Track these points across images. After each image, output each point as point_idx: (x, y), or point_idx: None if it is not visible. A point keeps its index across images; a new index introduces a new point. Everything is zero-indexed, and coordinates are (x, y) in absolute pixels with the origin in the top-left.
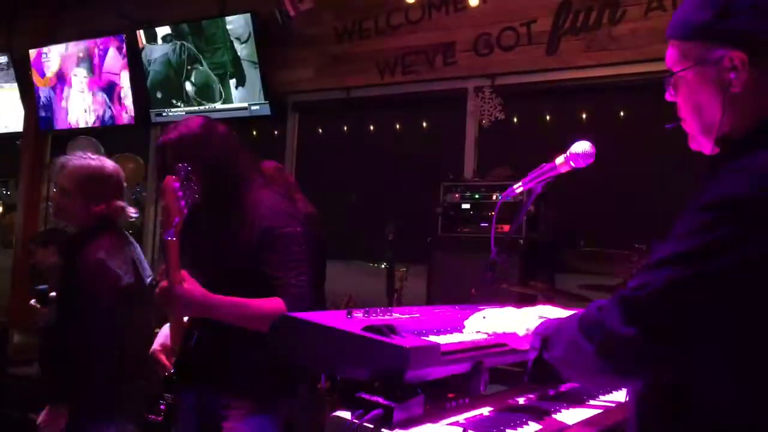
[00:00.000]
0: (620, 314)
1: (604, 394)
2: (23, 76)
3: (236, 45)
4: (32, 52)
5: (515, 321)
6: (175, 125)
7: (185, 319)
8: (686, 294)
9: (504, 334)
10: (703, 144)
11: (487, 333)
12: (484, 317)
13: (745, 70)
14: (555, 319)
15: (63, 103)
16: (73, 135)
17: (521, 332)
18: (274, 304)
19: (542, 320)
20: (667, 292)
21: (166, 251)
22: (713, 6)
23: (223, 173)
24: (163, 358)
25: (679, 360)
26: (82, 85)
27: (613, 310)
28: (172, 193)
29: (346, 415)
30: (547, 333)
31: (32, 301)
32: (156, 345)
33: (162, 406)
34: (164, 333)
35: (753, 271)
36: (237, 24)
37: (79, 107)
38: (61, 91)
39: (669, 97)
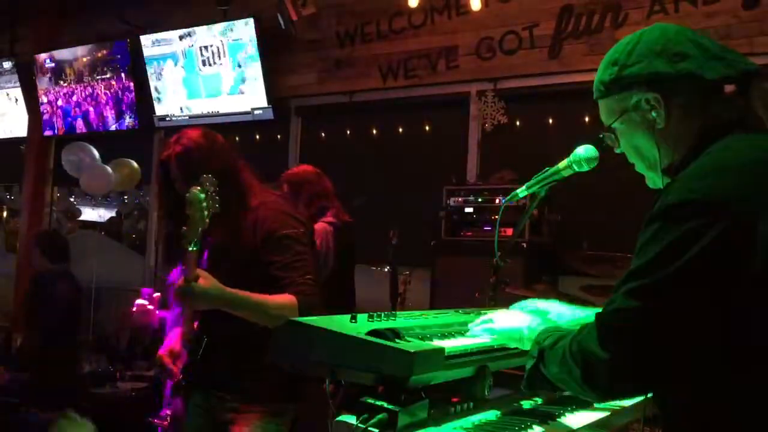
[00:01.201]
0: (596, 337)
1: None
2: (27, 81)
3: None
4: (36, 57)
5: (520, 321)
6: (176, 139)
7: (194, 324)
8: (645, 302)
9: (508, 333)
10: (655, 180)
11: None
12: (489, 320)
13: (662, 107)
14: (554, 329)
15: (66, 108)
16: (76, 140)
17: (525, 332)
18: (286, 299)
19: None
20: (626, 304)
21: (186, 259)
22: (616, 61)
23: (230, 182)
24: (169, 362)
25: (658, 374)
26: (84, 89)
27: (592, 333)
28: (197, 204)
29: (350, 419)
30: (544, 345)
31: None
32: (163, 349)
33: (167, 411)
34: (172, 337)
35: (701, 273)
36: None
37: (83, 112)
38: (65, 95)
39: (617, 149)
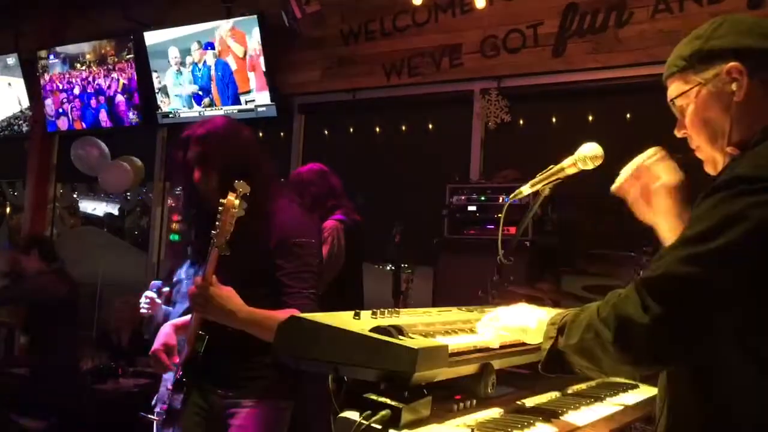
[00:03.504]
0: (636, 300)
1: (612, 396)
2: (30, 77)
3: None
4: (39, 53)
5: (526, 315)
6: (202, 122)
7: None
8: (703, 269)
9: (515, 328)
10: (716, 161)
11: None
12: (494, 317)
13: (745, 79)
14: (569, 310)
15: (70, 104)
16: (80, 136)
17: (533, 325)
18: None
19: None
20: (678, 271)
21: (209, 262)
22: (701, 36)
23: (249, 179)
24: (164, 357)
25: (696, 344)
26: (88, 86)
27: (630, 297)
28: (232, 210)
29: (353, 416)
30: (563, 321)
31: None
32: (157, 344)
33: (164, 407)
34: (165, 332)
35: (754, 249)
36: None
37: (86, 108)
38: (68, 92)
39: (678, 131)
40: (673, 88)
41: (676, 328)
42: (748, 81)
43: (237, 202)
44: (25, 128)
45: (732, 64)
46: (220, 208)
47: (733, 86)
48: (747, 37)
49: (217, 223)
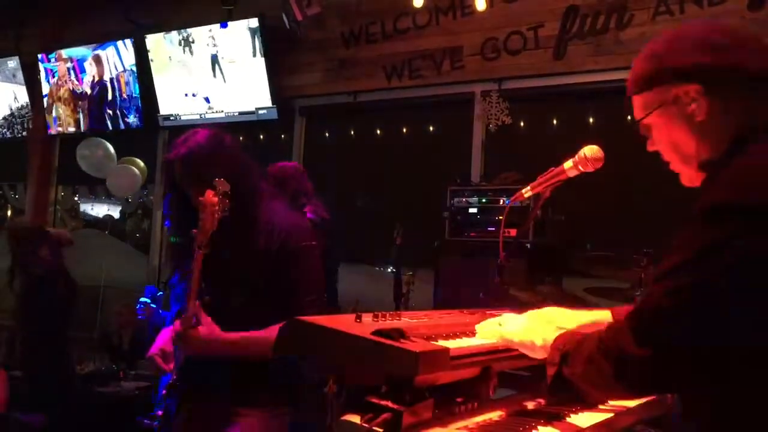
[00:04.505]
0: (631, 334)
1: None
2: (31, 79)
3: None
4: (40, 56)
5: (532, 330)
6: (184, 139)
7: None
8: (685, 302)
9: (519, 342)
10: (692, 177)
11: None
12: (500, 324)
13: (704, 99)
14: (574, 332)
15: (71, 107)
16: (81, 139)
17: (539, 342)
18: None
19: (560, 331)
20: (666, 303)
21: (194, 266)
22: (656, 54)
23: (236, 186)
24: (160, 361)
25: (693, 373)
26: (89, 88)
27: (626, 331)
28: (210, 208)
29: (355, 419)
30: (566, 348)
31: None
32: (154, 349)
33: (159, 412)
34: (162, 337)
35: (744, 273)
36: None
37: (87, 111)
38: (69, 94)
39: (650, 147)
40: (637, 108)
41: (669, 361)
42: (708, 99)
43: (216, 199)
44: (25, 130)
45: (689, 86)
46: (199, 206)
47: (693, 106)
48: (701, 53)
49: (199, 222)
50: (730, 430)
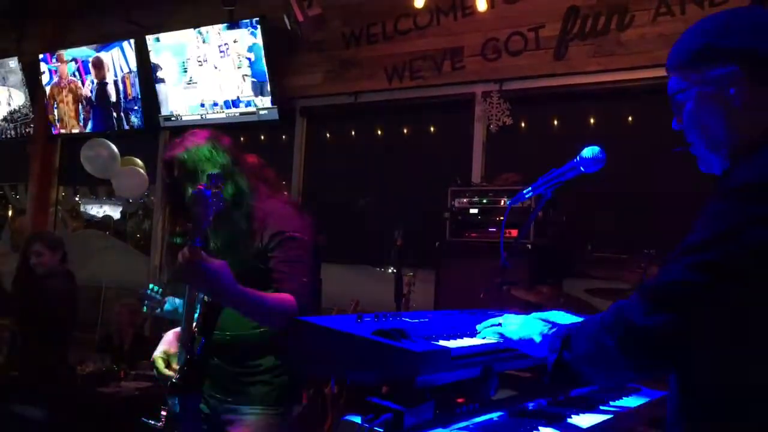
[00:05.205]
0: (641, 306)
1: (614, 400)
2: (33, 80)
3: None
4: (41, 57)
5: (532, 329)
6: (181, 139)
7: (193, 324)
8: (703, 279)
9: (520, 340)
10: (713, 163)
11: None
12: (500, 323)
13: (745, 85)
14: (573, 323)
15: (72, 107)
16: (83, 139)
17: (537, 338)
18: (285, 298)
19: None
20: (684, 279)
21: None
22: (709, 31)
23: (234, 184)
24: (161, 364)
25: (699, 349)
26: (90, 89)
27: (635, 304)
28: (203, 202)
29: (356, 419)
30: (568, 333)
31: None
32: (158, 352)
33: (163, 412)
34: (166, 340)
35: (763, 255)
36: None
37: (89, 111)
38: (71, 95)
39: (675, 125)
40: (673, 82)
41: (682, 333)
42: (749, 86)
43: (208, 193)
44: (27, 131)
45: (734, 69)
46: (193, 200)
47: (732, 90)
48: (751, 38)
49: (193, 216)
50: (730, 402)
